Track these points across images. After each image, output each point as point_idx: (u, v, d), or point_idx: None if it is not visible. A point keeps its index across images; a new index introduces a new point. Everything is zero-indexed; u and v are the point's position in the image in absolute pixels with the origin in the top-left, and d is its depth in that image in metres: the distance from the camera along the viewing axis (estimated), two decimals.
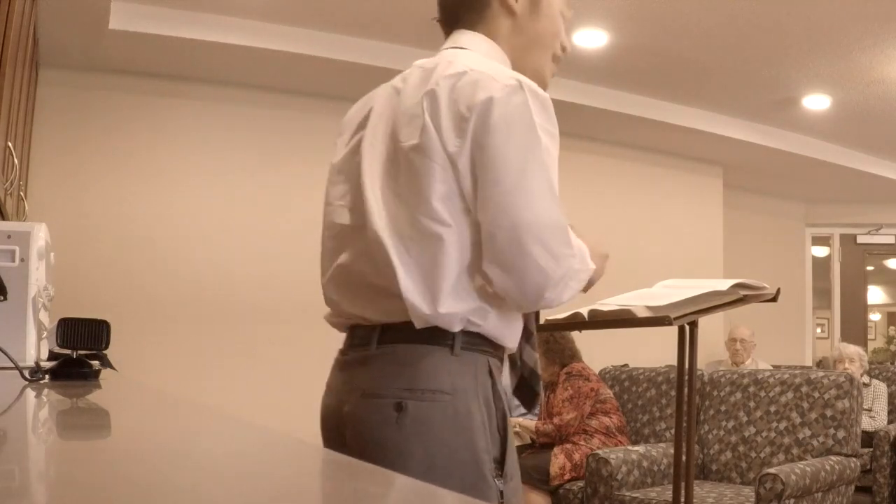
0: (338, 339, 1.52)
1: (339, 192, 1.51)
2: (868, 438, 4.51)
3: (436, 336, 1.36)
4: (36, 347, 2.06)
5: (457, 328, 1.37)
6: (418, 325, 1.35)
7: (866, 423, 4.74)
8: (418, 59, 1.50)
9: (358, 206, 1.44)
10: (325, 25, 4.48)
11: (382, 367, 1.38)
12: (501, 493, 1.37)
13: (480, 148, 1.32)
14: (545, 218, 1.32)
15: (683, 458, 2.65)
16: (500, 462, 1.39)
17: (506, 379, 1.51)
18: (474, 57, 1.45)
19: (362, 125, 1.50)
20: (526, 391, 1.57)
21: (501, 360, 1.47)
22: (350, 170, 1.49)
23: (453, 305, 1.34)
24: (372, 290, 1.41)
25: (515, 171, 1.32)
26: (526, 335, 1.53)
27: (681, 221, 6.45)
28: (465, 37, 1.53)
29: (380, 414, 1.35)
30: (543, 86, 1.51)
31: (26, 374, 1.57)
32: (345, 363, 1.47)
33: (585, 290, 1.45)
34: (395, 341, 1.38)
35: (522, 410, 4.41)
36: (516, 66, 1.51)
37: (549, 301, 1.36)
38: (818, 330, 9.00)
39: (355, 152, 1.48)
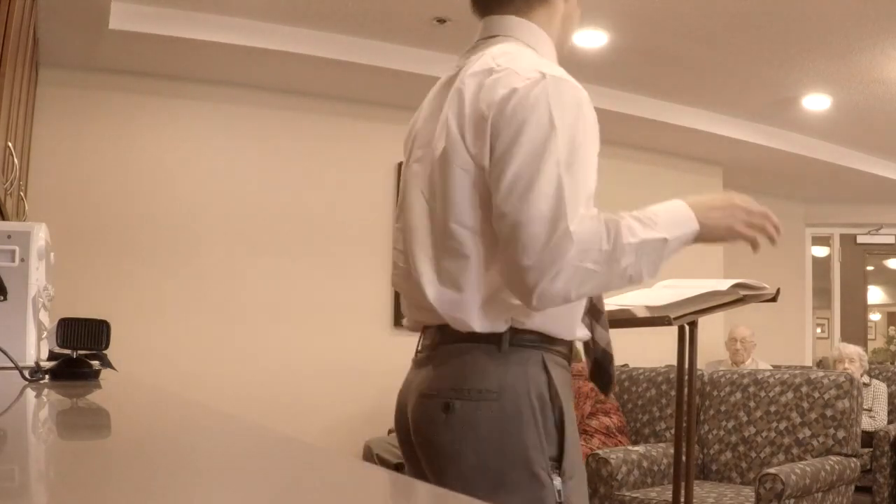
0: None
1: (397, 212, 1.53)
2: (868, 438, 4.51)
3: (482, 335, 1.35)
4: (36, 347, 2.06)
5: (502, 329, 1.35)
6: (459, 328, 1.36)
7: (866, 423, 4.74)
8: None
9: (404, 223, 1.45)
10: (325, 25, 4.48)
11: (436, 367, 1.39)
12: (559, 492, 1.34)
13: (494, 144, 1.29)
14: (546, 213, 1.25)
15: (683, 458, 2.64)
16: (558, 460, 1.35)
17: None
18: (508, 48, 1.40)
19: (412, 141, 1.51)
20: (600, 374, 1.52)
21: (565, 353, 1.42)
22: (405, 183, 1.49)
23: (491, 315, 1.34)
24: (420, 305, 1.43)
25: (525, 165, 1.26)
26: (595, 315, 1.50)
27: None
28: (504, 23, 1.46)
29: (431, 414, 1.36)
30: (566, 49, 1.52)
31: (26, 374, 1.57)
32: (416, 362, 1.48)
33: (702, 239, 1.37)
34: (448, 342, 1.38)
35: None
36: (556, 47, 1.48)
37: (549, 299, 1.26)
38: (818, 330, 9.00)
39: (408, 165, 1.49)
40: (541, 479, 1.32)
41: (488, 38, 1.46)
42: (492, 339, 1.35)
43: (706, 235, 1.39)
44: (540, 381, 1.35)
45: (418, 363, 1.46)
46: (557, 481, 1.33)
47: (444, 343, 1.39)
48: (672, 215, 1.36)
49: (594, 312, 1.49)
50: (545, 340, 1.38)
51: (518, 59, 1.36)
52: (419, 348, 1.48)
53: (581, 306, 1.44)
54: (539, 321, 1.36)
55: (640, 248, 1.30)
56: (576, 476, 1.37)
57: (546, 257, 1.24)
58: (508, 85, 1.29)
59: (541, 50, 1.44)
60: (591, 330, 1.49)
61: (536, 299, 1.27)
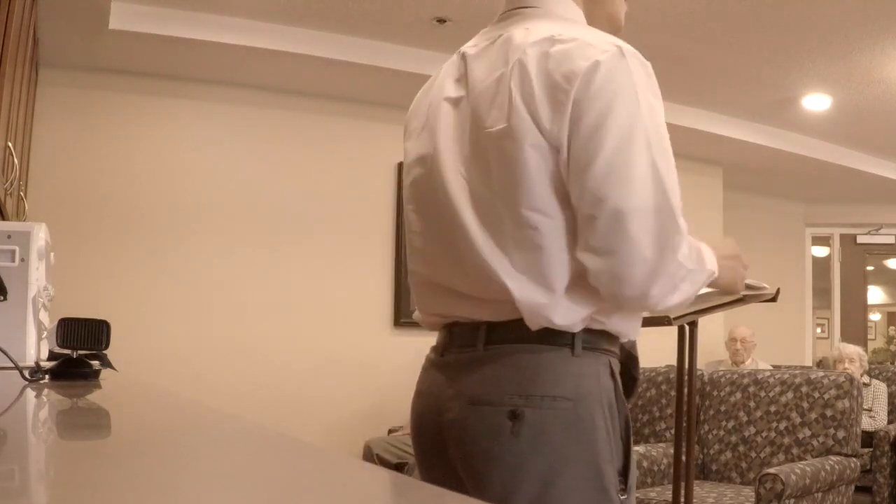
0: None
1: (409, 195, 1.39)
2: (868, 438, 4.51)
3: (553, 335, 1.22)
4: (36, 347, 2.06)
5: (578, 328, 1.23)
6: (535, 326, 1.22)
7: (866, 423, 4.74)
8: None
9: (441, 210, 1.29)
10: (325, 25, 4.48)
11: (494, 370, 1.23)
12: None
13: (579, 122, 1.16)
14: (651, 201, 1.15)
15: (683, 458, 2.64)
16: (624, 474, 1.25)
17: None
18: (557, 20, 1.29)
19: (433, 117, 1.34)
20: (626, 378, 1.37)
21: (619, 358, 1.31)
22: (424, 170, 1.34)
23: (573, 309, 1.21)
24: (473, 299, 1.27)
25: (618, 149, 1.15)
26: None
27: None
28: None
29: (492, 423, 1.21)
30: (620, 29, 1.38)
31: (26, 374, 1.57)
32: (443, 365, 1.32)
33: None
34: (506, 341, 1.24)
35: None
36: (590, 17, 1.35)
37: (654, 299, 1.18)
38: (818, 330, 9.00)
39: (430, 149, 1.33)
40: (609, 496, 1.22)
41: (519, 8, 1.33)
42: (562, 341, 1.22)
43: (716, 282, 1.31)
44: (609, 388, 1.25)
45: (448, 366, 1.30)
46: (623, 497, 1.24)
47: (497, 342, 1.24)
48: (706, 252, 1.28)
49: None
50: (611, 343, 1.28)
51: (576, 28, 1.26)
52: (442, 348, 1.33)
53: None
54: (616, 321, 1.26)
55: (698, 275, 1.23)
56: (633, 491, 1.28)
57: (669, 258, 1.16)
58: (587, 56, 1.17)
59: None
60: None
61: (649, 302, 1.18)
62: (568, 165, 1.17)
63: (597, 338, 1.26)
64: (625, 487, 1.24)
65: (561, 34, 1.21)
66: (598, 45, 1.19)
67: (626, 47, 1.21)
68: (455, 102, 1.32)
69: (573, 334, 1.23)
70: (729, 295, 2.40)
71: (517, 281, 1.20)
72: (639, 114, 1.17)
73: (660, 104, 1.22)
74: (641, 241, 1.14)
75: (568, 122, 1.16)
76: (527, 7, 1.33)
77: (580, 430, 1.21)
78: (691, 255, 1.21)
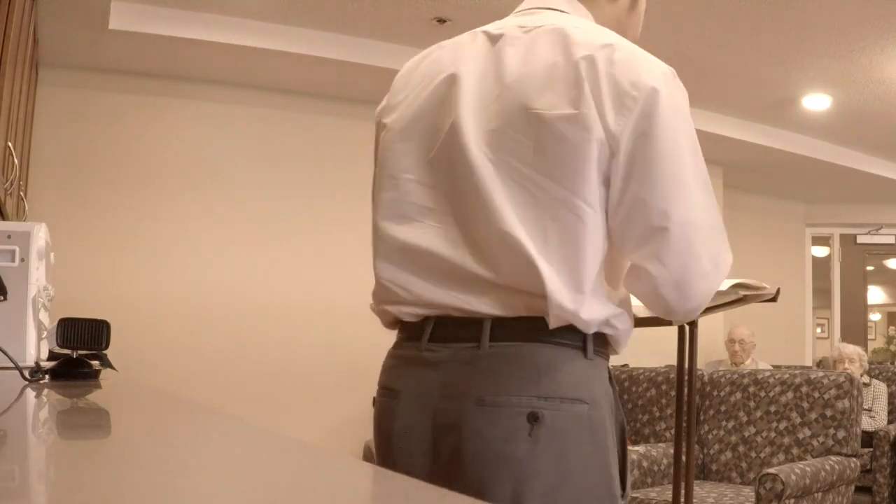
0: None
1: (409, 164, 1.30)
2: (868, 438, 4.51)
3: (568, 336, 1.20)
4: (36, 347, 2.06)
5: (593, 330, 1.21)
6: (555, 324, 1.18)
7: (866, 423, 4.74)
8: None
9: (461, 184, 1.23)
10: (325, 25, 4.48)
11: (508, 370, 1.19)
12: None
13: (646, 135, 1.18)
14: (711, 219, 1.22)
15: (683, 458, 2.64)
16: (623, 479, 1.25)
17: None
18: (595, 24, 1.31)
19: (450, 90, 1.28)
20: None
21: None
22: (440, 140, 1.27)
23: (596, 307, 1.20)
24: (479, 283, 1.21)
25: (684, 165, 1.20)
26: None
27: None
28: (565, 2, 1.36)
29: (507, 425, 1.17)
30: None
31: (26, 374, 1.57)
32: (436, 362, 1.24)
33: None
34: (514, 339, 1.20)
35: None
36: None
37: (698, 311, 1.26)
38: (818, 330, 9.00)
39: (448, 120, 1.26)
40: (616, 499, 1.22)
41: (543, 8, 1.34)
42: (576, 342, 1.20)
43: None
44: (611, 393, 1.25)
45: (441, 363, 1.24)
46: (623, 502, 1.25)
47: (503, 339, 1.20)
48: None
49: None
50: (609, 349, 1.28)
51: (619, 36, 1.28)
52: (426, 344, 1.26)
53: None
54: (624, 331, 1.26)
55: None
56: (629, 495, 1.29)
57: (720, 275, 1.24)
58: (651, 72, 1.21)
59: None
60: None
61: (699, 309, 1.25)
62: (624, 167, 1.18)
63: (602, 343, 1.25)
64: (624, 493, 1.25)
65: (620, 43, 1.23)
66: (658, 65, 1.24)
67: (671, 68, 1.27)
68: (482, 77, 1.27)
69: (584, 337, 1.21)
70: (728, 295, 2.41)
71: (548, 268, 1.16)
72: (693, 134, 1.25)
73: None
74: (703, 255, 1.20)
75: (632, 130, 1.18)
76: (552, 9, 1.34)
77: (595, 434, 1.20)
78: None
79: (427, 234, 1.26)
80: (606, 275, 1.23)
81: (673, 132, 1.20)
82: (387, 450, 1.30)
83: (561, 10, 1.33)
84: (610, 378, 1.27)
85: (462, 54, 1.31)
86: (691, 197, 1.20)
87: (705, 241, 1.20)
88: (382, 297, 1.32)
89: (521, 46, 1.26)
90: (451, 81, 1.28)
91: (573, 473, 1.18)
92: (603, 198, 1.19)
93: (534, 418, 1.16)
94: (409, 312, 1.28)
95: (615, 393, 1.27)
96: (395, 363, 1.33)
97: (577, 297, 1.17)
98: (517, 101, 1.21)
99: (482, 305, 1.20)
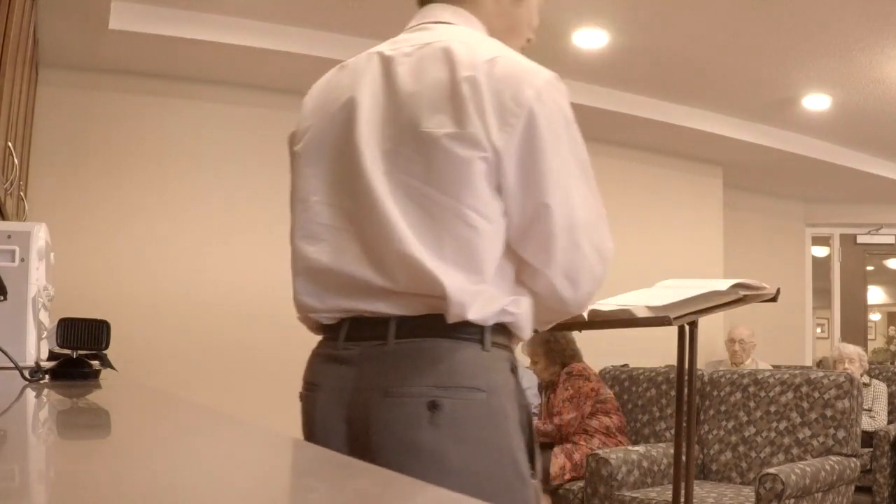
0: None
1: (316, 186, 1.40)
2: (868, 438, 4.51)
3: (466, 330, 1.29)
4: (36, 347, 2.06)
5: (490, 323, 1.30)
6: (452, 320, 1.27)
7: (866, 423, 4.75)
8: None
9: (359, 203, 1.32)
10: (326, 25, 4.48)
11: (410, 363, 1.28)
12: (536, 492, 1.35)
13: (529, 144, 1.27)
14: (593, 213, 1.33)
15: (683, 458, 2.64)
16: (530, 459, 1.35)
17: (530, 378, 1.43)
18: (481, 37, 1.39)
19: (347, 112, 1.38)
20: None
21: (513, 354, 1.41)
22: (338, 161, 1.37)
23: (492, 302, 1.29)
24: (382, 291, 1.31)
25: (566, 168, 1.30)
26: None
27: (681, 221, 6.45)
28: (448, 12, 1.45)
29: (409, 413, 1.27)
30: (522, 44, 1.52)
31: (26, 374, 1.57)
32: (348, 358, 1.35)
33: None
34: (418, 335, 1.29)
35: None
36: (491, 32, 1.46)
37: (588, 304, 1.38)
38: (818, 330, 9.00)
39: (345, 142, 1.36)
40: (525, 479, 1.31)
41: (434, 22, 1.43)
42: (474, 336, 1.29)
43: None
44: (511, 381, 1.34)
45: (352, 360, 1.33)
46: (534, 481, 1.34)
47: (407, 336, 1.29)
48: None
49: None
50: (511, 340, 1.37)
51: (504, 48, 1.36)
52: (340, 343, 1.36)
53: None
54: (522, 316, 1.34)
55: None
56: (539, 474, 1.39)
57: (601, 258, 1.33)
58: (532, 83, 1.29)
59: None
60: None
61: (589, 301, 1.36)
62: (511, 179, 1.28)
63: (501, 334, 1.34)
64: (534, 472, 1.35)
65: (502, 56, 1.31)
66: (540, 73, 1.31)
67: (555, 74, 1.34)
68: (375, 98, 1.36)
69: (482, 330, 1.30)
70: (729, 295, 2.41)
71: (447, 274, 1.25)
72: (574, 136, 1.32)
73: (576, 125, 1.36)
74: (586, 248, 1.31)
75: (516, 141, 1.26)
76: (442, 23, 1.42)
77: (494, 419, 1.29)
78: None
79: (333, 253, 1.37)
80: (507, 274, 1.33)
81: (554, 138, 1.29)
82: (310, 440, 1.40)
83: (448, 23, 1.42)
84: (512, 367, 1.36)
85: (358, 77, 1.41)
86: (574, 199, 1.30)
87: (588, 235, 1.31)
88: (302, 308, 1.46)
89: (411, 66, 1.35)
90: (350, 105, 1.38)
91: (477, 457, 1.27)
92: (498, 207, 1.29)
93: (433, 406, 1.26)
94: (326, 316, 1.40)
95: (517, 381, 1.36)
96: (316, 360, 1.44)
97: (474, 297, 1.27)
98: (409, 122, 1.30)
99: (387, 308, 1.31)
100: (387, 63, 1.38)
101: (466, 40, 1.35)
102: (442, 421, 1.25)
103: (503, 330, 1.34)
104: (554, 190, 1.28)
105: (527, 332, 1.38)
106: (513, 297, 1.32)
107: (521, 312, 1.34)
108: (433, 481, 1.19)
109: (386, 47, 1.42)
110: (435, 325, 1.28)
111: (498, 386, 1.30)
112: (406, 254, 1.26)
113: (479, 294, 1.27)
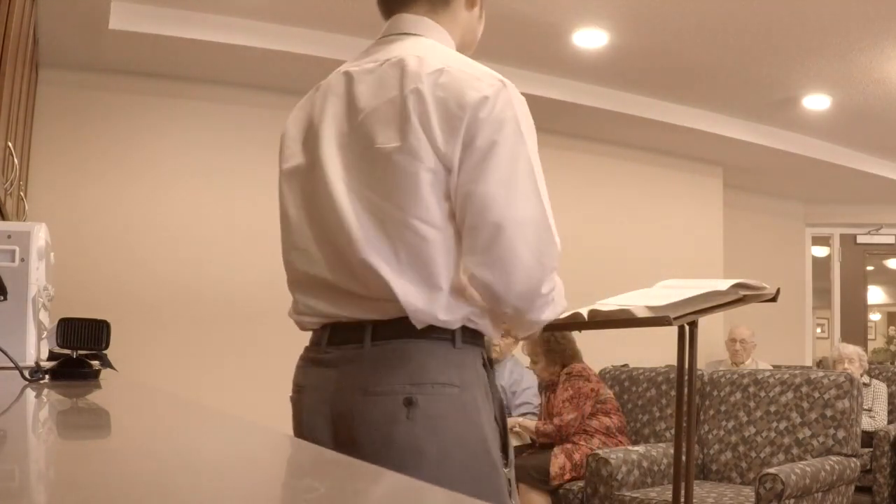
0: None
1: (293, 202, 1.49)
2: (868, 438, 4.51)
3: (437, 331, 1.36)
4: (36, 347, 2.06)
5: (457, 326, 1.38)
6: (420, 326, 1.35)
7: (866, 423, 4.74)
8: None
9: (328, 218, 1.40)
10: (326, 25, 4.48)
11: (385, 363, 1.36)
12: (510, 479, 1.42)
13: (470, 147, 1.32)
14: (530, 215, 1.33)
15: (683, 458, 2.64)
16: (505, 451, 1.42)
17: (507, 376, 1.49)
18: (440, 49, 1.44)
19: (315, 131, 1.47)
20: None
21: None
22: (308, 178, 1.46)
23: (454, 308, 1.36)
24: (358, 297, 1.39)
25: (504, 169, 1.32)
26: None
27: (681, 221, 6.45)
28: (422, 25, 1.52)
29: (387, 410, 1.34)
30: (472, 49, 1.58)
31: (26, 374, 1.57)
32: (329, 361, 1.43)
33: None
34: (392, 337, 1.37)
35: (523, 410, 4.42)
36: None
37: (536, 309, 1.37)
38: (818, 330, 9.00)
39: (313, 158, 1.45)
40: (499, 469, 1.38)
41: (400, 34, 1.51)
42: (445, 336, 1.37)
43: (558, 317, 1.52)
44: (483, 376, 1.42)
45: (332, 362, 1.42)
46: (508, 471, 1.42)
47: (382, 339, 1.37)
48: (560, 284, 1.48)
49: None
50: (481, 339, 1.44)
51: (458, 57, 1.42)
52: (323, 346, 1.44)
53: None
54: (486, 321, 1.41)
55: (560, 300, 1.44)
56: (513, 464, 1.48)
57: (546, 269, 1.34)
58: (477, 88, 1.33)
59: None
60: None
61: (532, 313, 1.37)
62: (457, 184, 1.32)
63: (472, 334, 1.41)
64: (506, 462, 1.42)
65: (450, 64, 1.36)
66: (485, 79, 1.36)
67: (507, 80, 1.38)
68: (338, 117, 1.44)
69: (453, 332, 1.38)
70: (728, 295, 2.41)
71: (402, 283, 1.33)
72: (522, 139, 1.35)
73: (534, 132, 1.39)
74: (524, 252, 1.32)
75: (461, 146, 1.31)
76: (409, 34, 1.50)
77: (467, 413, 1.36)
78: (557, 280, 1.40)
79: (312, 263, 1.45)
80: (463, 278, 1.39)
81: (500, 138, 1.32)
82: (301, 438, 1.44)
83: (415, 34, 1.49)
84: (484, 363, 1.43)
85: (327, 97, 1.49)
86: (517, 201, 1.32)
87: (523, 232, 1.32)
88: (295, 310, 1.54)
89: (370, 83, 1.42)
90: (318, 125, 1.47)
91: (452, 449, 1.34)
92: (451, 214, 1.34)
93: (409, 402, 1.33)
94: (312, 321, 1.49)
95: (490, 375, 1.44)
96: (303, 364, 1.53)
97: (433, 303, 1.34)
98: (365, 138, 1.38)
99: (363, 313, 1.39)
100: (349, 82, 1.47)
101: (422, 53, 1.40)
102: (418, 416, 1.33)
103: (474, 331, 1.42)
104: (488, 182, 1.31)
105: (493, 331, 1.45)
106: (476, 308, 1.38)
107: (484, 323, 1.41)
108: (411, 473, 1.25)
109: (352, 64, 1.52)
110: (408, 328, 1.35)
111: (470, 381, 1.38)
112: (367, 265, 1.34)
113: (436, 300, 1.33)
